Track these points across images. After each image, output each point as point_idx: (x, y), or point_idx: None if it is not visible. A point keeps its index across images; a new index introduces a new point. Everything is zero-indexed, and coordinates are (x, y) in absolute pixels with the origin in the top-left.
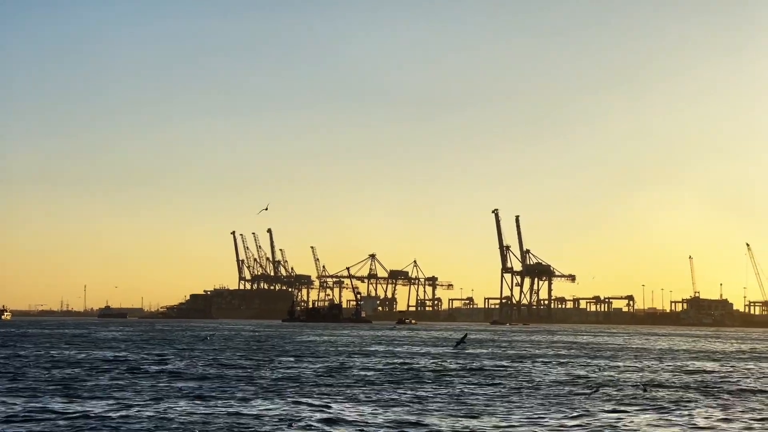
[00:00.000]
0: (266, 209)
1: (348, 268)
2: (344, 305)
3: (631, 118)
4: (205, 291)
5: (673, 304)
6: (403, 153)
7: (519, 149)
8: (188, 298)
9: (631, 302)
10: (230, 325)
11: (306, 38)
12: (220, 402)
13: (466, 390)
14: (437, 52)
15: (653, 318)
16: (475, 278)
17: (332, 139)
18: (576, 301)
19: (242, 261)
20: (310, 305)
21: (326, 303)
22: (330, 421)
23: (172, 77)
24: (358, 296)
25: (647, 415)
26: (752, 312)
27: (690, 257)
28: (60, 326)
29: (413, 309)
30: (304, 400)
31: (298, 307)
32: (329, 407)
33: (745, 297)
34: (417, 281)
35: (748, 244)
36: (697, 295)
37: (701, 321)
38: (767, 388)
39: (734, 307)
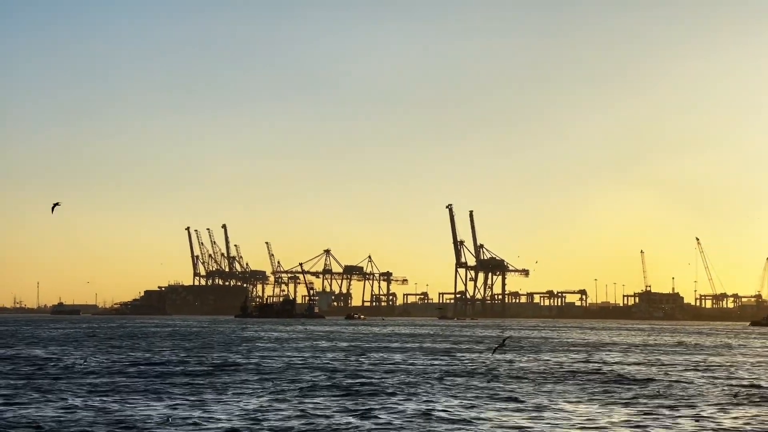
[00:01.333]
0: (58, 204)
1: (301, 264)
2: (300, 301)
3: (584, 115)
4: (159, 287)
5: (625, 298)
6: (357, 149)
7: (473, 145)
8: (143, 294)
9: (583, 296)
10: (177, 321)
11: (261, 35)
12: (101, 398)
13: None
14: (393, 50)
15: (606, 312)
16: (430, 273)
17: (287, 135)
18: (530, 295)
19: (197, 257)
20: (265, 301)
21: (281, 299)
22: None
23: (126, 74)
24: (311, 291)
25: (498, 404)
26: (703, 305)
27: (641, 251)
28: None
29: (368, 304)
30: (183, 397)
31: (253, 302)
32: (206, 403)
33: (695, 291)
34: (372, 276)
35: (697, 239)
36: (648, 289)
37: (652, 315)
38: (640, 377)
39: (685, 301)
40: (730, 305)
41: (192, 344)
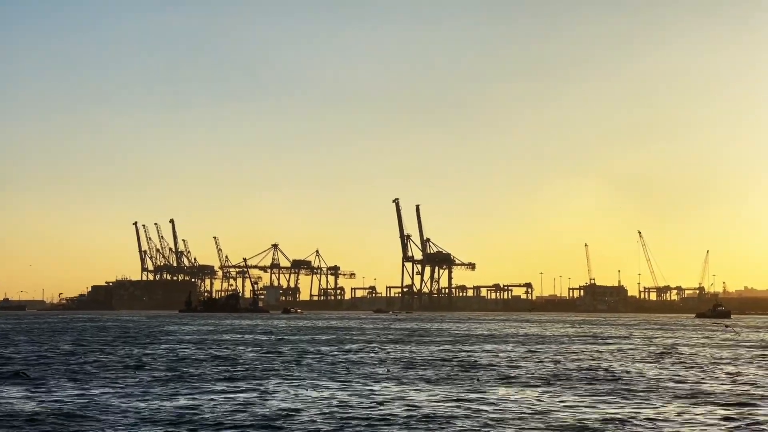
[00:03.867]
0: None
1: (245, 259)
2: (248, 295)
3: (529, 111)
4: (107, 282)
5: (571, 291)
6: (305, 144)
7: (420, 139)
8: (90, 289)
9: (529, 290)
10: (111, 316)
11: (210, 33)
12: None
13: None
14: (339, 49)
15: (552, 305)
16: (378, 267)
17: (235, 131)
18: (476, 289)
19: (145, 252)
20: (214, 295)
21: (230, 293)
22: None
23: (74, 69)
24: (255, 286)
25: (324, 384)
26: (648, 298)
27: (586, 245)
28: None
29: (316, 298)
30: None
31: (201, 297)
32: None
33: (639, 283)
34: (320, 271)
35: (639, 232)
36: (592, 282)
37: (596, 307)
38: (496, 363)
39: (630, 294)
40: (674, 298)
41: (100, 338)
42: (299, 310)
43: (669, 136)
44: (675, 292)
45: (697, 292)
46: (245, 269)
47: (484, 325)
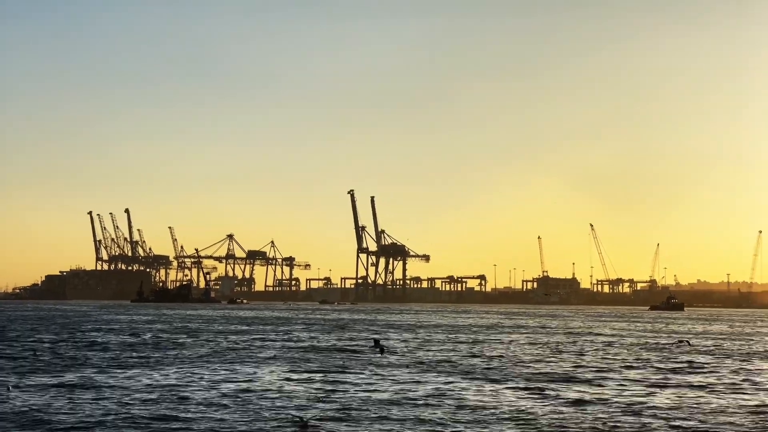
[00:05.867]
0: None
1: (197, 249)
2: (203, 285)
3: (485, 103)
4: (61, 272)
5: (524, 283)
6: (260, 136)
7: (374, 131)
8: (43, 278)
9: (483, 282)
10: (65, 306)
11: (167, 27)
12: None
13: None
14: (292, 43)
15: (506, 297)
16: (333, 258)
17: (190, 121)
18: (431, 280)
19: (99, 241)
20: (169, 286)
21: (185, 283)
22: None
23: (33, 58)
24: (207, 277)
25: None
26: (601, 290)
27: (539, 237)
28: None
29: (271, 289)
30: None
31: (155, 287)
32: None
33: (591, 276)
34: (275, 261)
35: (591, 225)
36: (545, 274)
37: (548, 300)
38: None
39: (582, 286)
40: (626, 290)
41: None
42: (244, 301)
43: (621, 131)
44: (627, 285)
45: (649, 285)
46: (201, 259)
47: (420, 315)
